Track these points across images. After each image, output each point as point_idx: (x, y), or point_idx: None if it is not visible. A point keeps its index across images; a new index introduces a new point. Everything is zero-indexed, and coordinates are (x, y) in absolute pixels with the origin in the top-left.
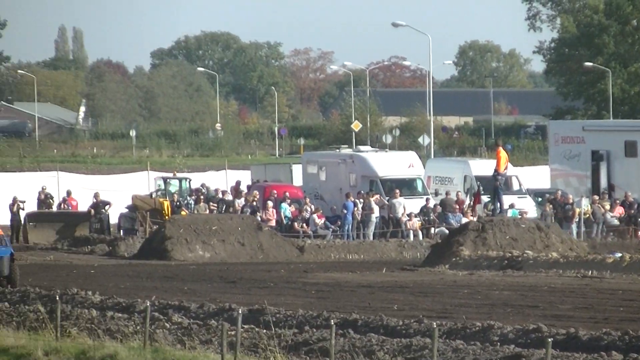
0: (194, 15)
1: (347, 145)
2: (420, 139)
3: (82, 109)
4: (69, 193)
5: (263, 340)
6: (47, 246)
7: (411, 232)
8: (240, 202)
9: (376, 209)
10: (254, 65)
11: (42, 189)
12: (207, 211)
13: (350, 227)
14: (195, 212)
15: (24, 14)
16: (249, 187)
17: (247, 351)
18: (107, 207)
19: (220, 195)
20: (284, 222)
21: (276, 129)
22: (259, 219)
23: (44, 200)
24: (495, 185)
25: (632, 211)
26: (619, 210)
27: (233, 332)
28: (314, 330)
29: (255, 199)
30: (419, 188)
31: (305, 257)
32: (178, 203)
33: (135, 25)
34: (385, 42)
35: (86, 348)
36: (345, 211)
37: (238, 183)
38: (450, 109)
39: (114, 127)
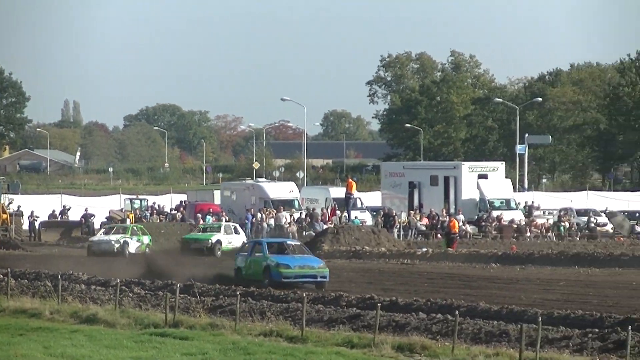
0: (152, 91)
1: (249, 178)
2: (297, 174)
3: (78, 154)
4: (62, 212)
5: (192, 304)
6: (53, 243)
7: (290, 234)
8: (179, 215)
9: (271, 220)
10: (190, 125)
11: (65, 207)
12: (158, 221)
13: (249, 231)
14: (150, 221)
15: (42, 90)
16: (185, 205)
17: (182, 312)
18: (92, 218)
19: (167, 211)
20: None
21: (204, 167)
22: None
23: (55, 214)
24: (347, 202)
25: (434, 221)
26: (425, 220)
27: (173, 299)
28: (226, 297)
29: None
30: (296, 205)
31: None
32: (139, 215)
33: (114, 98)
34: (276, 110)
35: (77, 310)
36: (246, 221)
37: (181, 202)
38: (318, 154)
39: (98, 166)
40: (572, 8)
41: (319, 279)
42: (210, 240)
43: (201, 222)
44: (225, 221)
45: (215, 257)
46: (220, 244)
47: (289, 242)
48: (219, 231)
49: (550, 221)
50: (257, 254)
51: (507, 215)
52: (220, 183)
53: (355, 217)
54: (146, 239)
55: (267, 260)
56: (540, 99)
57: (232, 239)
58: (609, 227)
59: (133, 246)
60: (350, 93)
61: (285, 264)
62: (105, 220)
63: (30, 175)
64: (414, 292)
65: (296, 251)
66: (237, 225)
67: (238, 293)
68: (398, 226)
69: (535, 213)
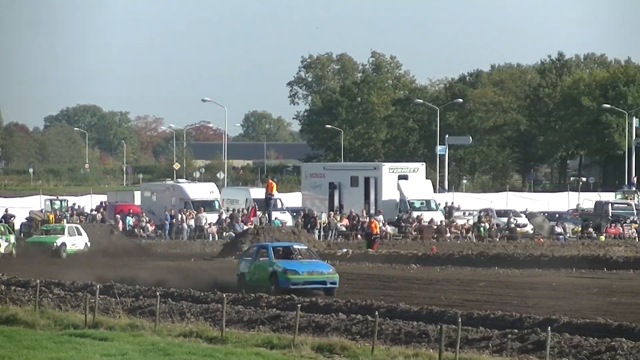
0: (73, 92)
1: (170, 179)
2: (218, 175)
3: None
4: None
5: (112, 305)
6: None
7: (210, 235)
8: (99, 216)
9: (192, 221)
10: (111, 126)
11: None
12: (78, 221)
13: (168, 231)
14: (71, 222)
15: None
16: (105, 206)
17: (102, 313)
18: (12, 219)
19: (87, 211)
20: (128, 228)
21: (124, 168)
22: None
23: None
24: (267, 203)
25: (354, 222)
26: (346, 221)
27: (93, 300)
28: (146, 298)
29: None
30: (216, 206)
31: (141, 251)
32: (59, 216)
33: (34, 99)
34: (197, 111)
35: None
36: (166, 221)
37: (101, 203)
38: (239, 155)
39: (18, 167)
40: (492, 9)
41: (328, 285)
42: (55, 243)
43: (119, 222)
44: (146, 222)
45: (61, 259)
46: (65, 246)
47: (295, 246)
48: (63, 233)
49: (470, 222)
50: (262, 259)
51: (427, 216)
52: (141, 184)
53: (276, 218)
54: (12, 238)
55: (273, 265)
56: (460, 100)
57: (75, 241)
58: (529, 228)
59: (3, 246)
60: (271, 94)
61: (293, 269)
62: (26, 221)
63: None
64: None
65: (303, 255)
66: (80, 226)
67: (158, 294)
68: (318, 227)
69: (456, 214)
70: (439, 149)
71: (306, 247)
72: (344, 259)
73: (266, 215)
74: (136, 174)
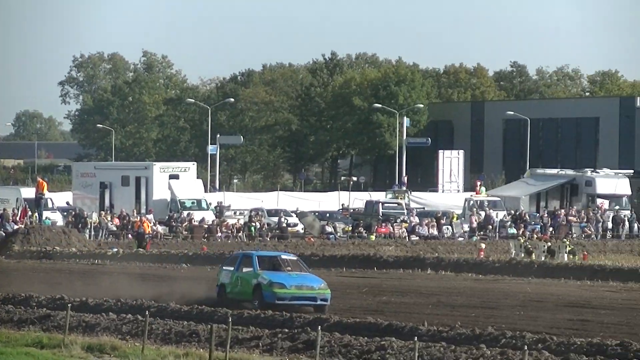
0: None
1: None
2: None
3: None
4: None
5: None
6: None
7: None
8: None
9: None
10: None
11: None
12: None
13: None
14: None
15: None
16: None
17: None
18: None
19: None
20: None
21: None
22: None
23: None
24: (38, 202)
25: (125, 221)
26: (116, 221)
27: None
28: None
29: None
30: None
31: None
32: None
33: None
34: None
35: None
36: None
37: None
38: (9, 154)
39: None
40: (263, 7)
41: (318, 302)
42: None
43: None
44: None
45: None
46: None
47: (283, 257)
48: None
49: (241, 221)
50: (245, 270)
51: (198, 216)
52: None
53: (47, 218)
54: None
55: (258, 277)
56: (232, 100)
57: None
58: (300, 228)
59: None
60: (42, 93)
61: (280, 282)
62: None
63: None
64: (104, 292)
65: (292, 267)
66: None
67: None
68: (89, 226)
69: (226, 213)
70: (210, 148)
71: (295, 258)
72: (115, 258)
73: (37, 214)
74: None
